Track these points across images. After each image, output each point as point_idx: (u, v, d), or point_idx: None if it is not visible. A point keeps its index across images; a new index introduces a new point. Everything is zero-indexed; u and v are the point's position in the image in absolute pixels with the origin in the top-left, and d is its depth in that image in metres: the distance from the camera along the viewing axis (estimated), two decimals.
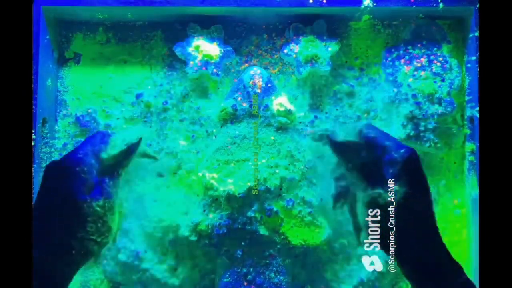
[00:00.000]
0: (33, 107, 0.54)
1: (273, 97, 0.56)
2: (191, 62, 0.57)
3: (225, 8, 0.56)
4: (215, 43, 0.58)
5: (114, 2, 0.56)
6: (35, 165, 0.54)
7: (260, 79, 0.56)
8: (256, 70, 0.57)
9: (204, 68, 0.57)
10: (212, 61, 0.57)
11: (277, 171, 0.53)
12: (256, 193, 0.53)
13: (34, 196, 0.54)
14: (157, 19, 0.60)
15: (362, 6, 0.56)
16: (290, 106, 0.56)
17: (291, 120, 0.56)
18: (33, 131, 0.54)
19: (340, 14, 0.58)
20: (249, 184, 0.52)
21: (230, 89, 0.58)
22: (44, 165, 0.56)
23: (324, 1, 0.56)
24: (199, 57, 0.57)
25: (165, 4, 0.56)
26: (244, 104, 0.56)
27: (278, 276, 0.54)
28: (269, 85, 0.56)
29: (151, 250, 0.56)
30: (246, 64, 0.60)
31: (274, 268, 0.54)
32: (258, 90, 0.56)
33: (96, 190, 0.45)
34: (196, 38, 0.58)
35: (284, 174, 0.53)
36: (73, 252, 0.44)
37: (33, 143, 0.54)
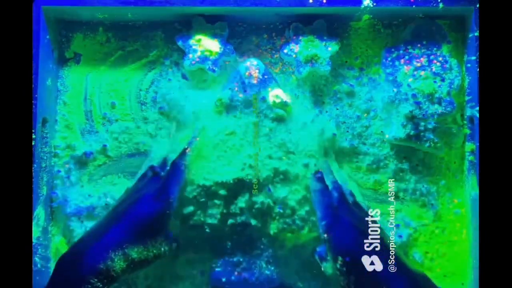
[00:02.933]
0: (33, 107, 0.54)
1: (269, 89, 0.56)
2: (190, 55, 0.57)
3: (225, 8, 0.56)
4: (216, 39, 0.58)
5: (114, 2, 0.56)
6: (35, 165, 0.54)
7: (257, 71, 0.56)
8: (252, 61, 0.57)
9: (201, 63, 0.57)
10: (211, 57, 0.57)
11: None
12: (256, 193, 0.53)
13: (34, 196, 0.54)
14: (157, 19, 0.60)
15: (362, 6, 0.56)
16: (286, 98, 0.56)
17: (287, 112, 0.56)
18: (33, 131, 0.54)
19: (340, 14, 0.58)
20: (243, 174, 0.53)
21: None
22: (44, 165, 0.56)
23: (324, 1, 0.56)
24: (199, 51, 0.57)
25: (165, 4, 0.56)
26: (240, 95, 0.56)
27: (269, 267, 0.54)
28: (266, 76, 0.57)
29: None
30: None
31: (266, 259, 0.54)
32: (255, 81, 0.56)
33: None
34: (199, 31, 0.58)
35: (278, 166, 0.53)
36: None
37: (33, 143, 0.54)
